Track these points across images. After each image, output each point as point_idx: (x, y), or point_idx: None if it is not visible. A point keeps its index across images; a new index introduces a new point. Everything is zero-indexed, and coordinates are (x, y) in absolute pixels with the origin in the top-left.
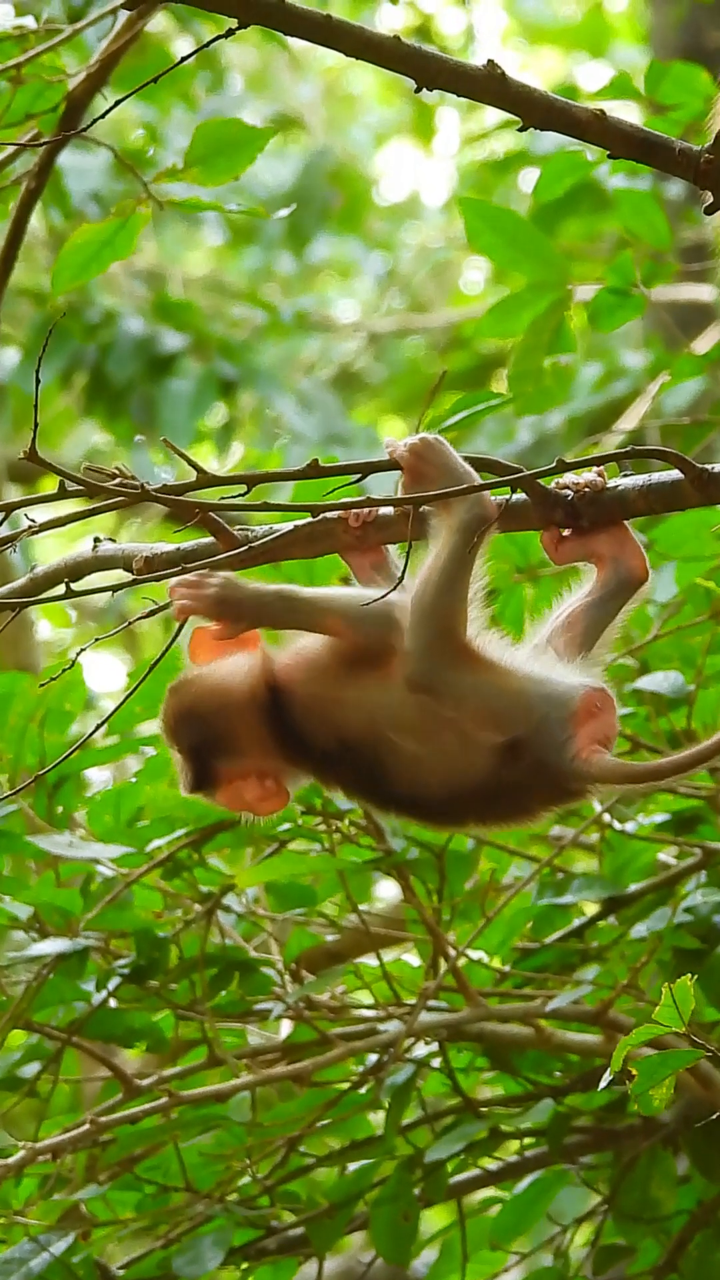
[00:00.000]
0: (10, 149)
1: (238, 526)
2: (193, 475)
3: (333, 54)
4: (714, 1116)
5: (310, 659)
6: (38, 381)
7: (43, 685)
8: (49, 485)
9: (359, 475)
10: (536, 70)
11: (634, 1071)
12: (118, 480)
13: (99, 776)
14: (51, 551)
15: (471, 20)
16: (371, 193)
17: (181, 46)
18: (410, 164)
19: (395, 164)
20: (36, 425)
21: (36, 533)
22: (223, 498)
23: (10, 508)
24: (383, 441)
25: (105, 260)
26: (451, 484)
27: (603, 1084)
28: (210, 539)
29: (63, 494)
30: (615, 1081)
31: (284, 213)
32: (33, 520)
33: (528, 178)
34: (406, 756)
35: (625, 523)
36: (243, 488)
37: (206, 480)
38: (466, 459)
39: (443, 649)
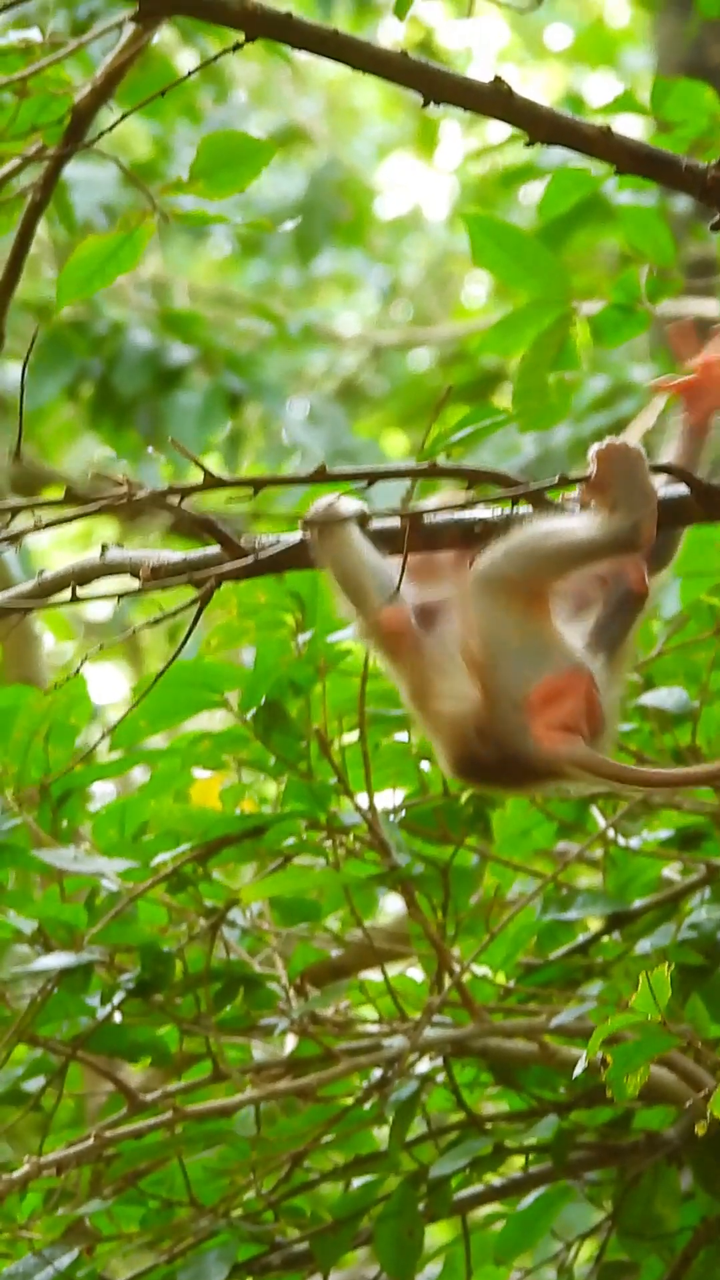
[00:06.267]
0: (15, 161)
1: (243, 536)
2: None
3: (335, 67)
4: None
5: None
6: (23, 386)
7: (48, 696)
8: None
9: (365, 483)
10: (541, 81)
11: (608, 1059)
12: (124, 488)
13: (103, 790)
14: (58, 562)
15: (473, 34)
16: (374, 206)
17: (185, 59)
18: (413, 177)
19: (398, 177)
20: (21, 427)
21: (42, 529)
22: (229, 501)
23: (13, 510)
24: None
25: (110, 274)
26: (630, 500)
27: (578, 1069)
28: (217, 548)
29: (68, 499)
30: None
31: (289, 225)
32: (39, 518)
33: (530, 191)
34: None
35: None
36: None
37: (213, 483)
38: (477, 472)
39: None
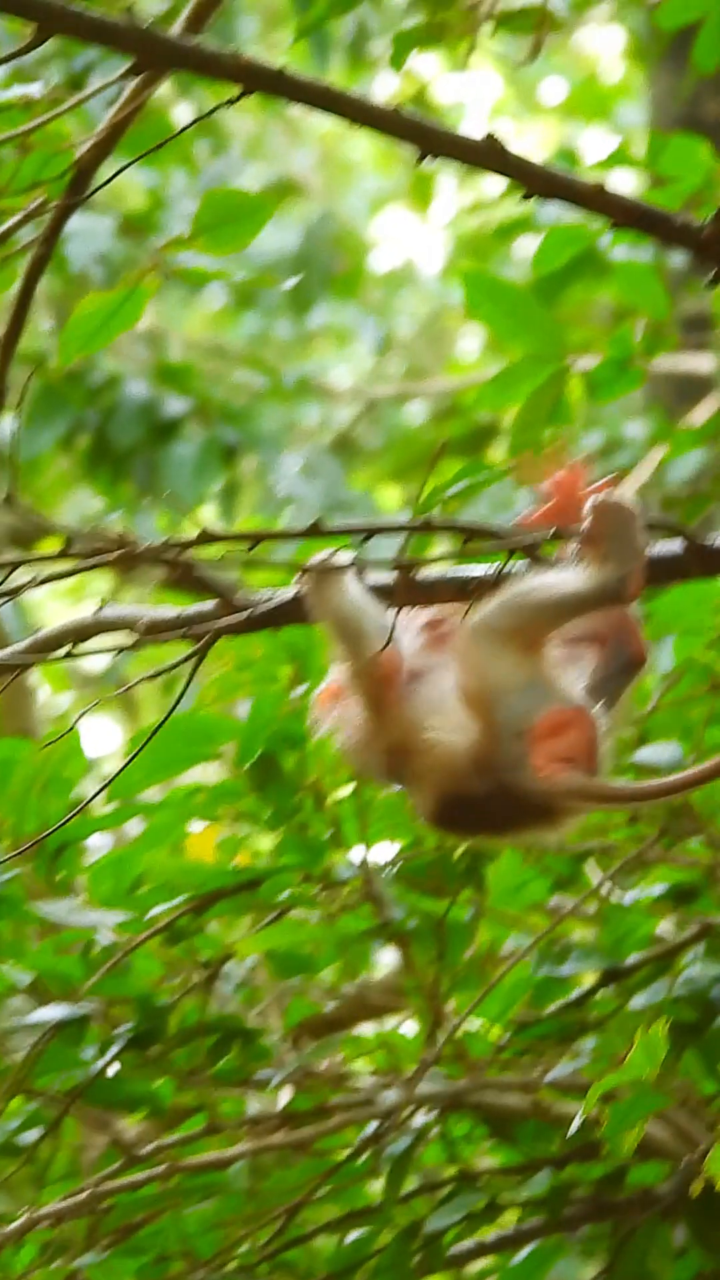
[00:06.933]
0: (18, 217)
1: (239, 591)
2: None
3: (329, 120)
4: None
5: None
6: (19, 436)
7: (44, 749)
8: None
9: (363, 537)
10: (535, 136)
11: (604, 1115)
12: (119, 541)
13: (98, 843)
14: (53, 617)
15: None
16: (368, 259)
17: (182, 111)
18: (407, 231)
19: (392, 231)
20: (14, 472)
21: (40, 584)
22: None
23: (11, 565)
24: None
25: (113, 331)
26: (620, 553)
27: (574, 1126)
28: (213, 603)
29: (65, 554)
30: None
31: (291, 283)
32: (36, 574)
33: (524, 245)
34: (411, 772)
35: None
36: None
37: (209, 538)
38: (472, 527)
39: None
